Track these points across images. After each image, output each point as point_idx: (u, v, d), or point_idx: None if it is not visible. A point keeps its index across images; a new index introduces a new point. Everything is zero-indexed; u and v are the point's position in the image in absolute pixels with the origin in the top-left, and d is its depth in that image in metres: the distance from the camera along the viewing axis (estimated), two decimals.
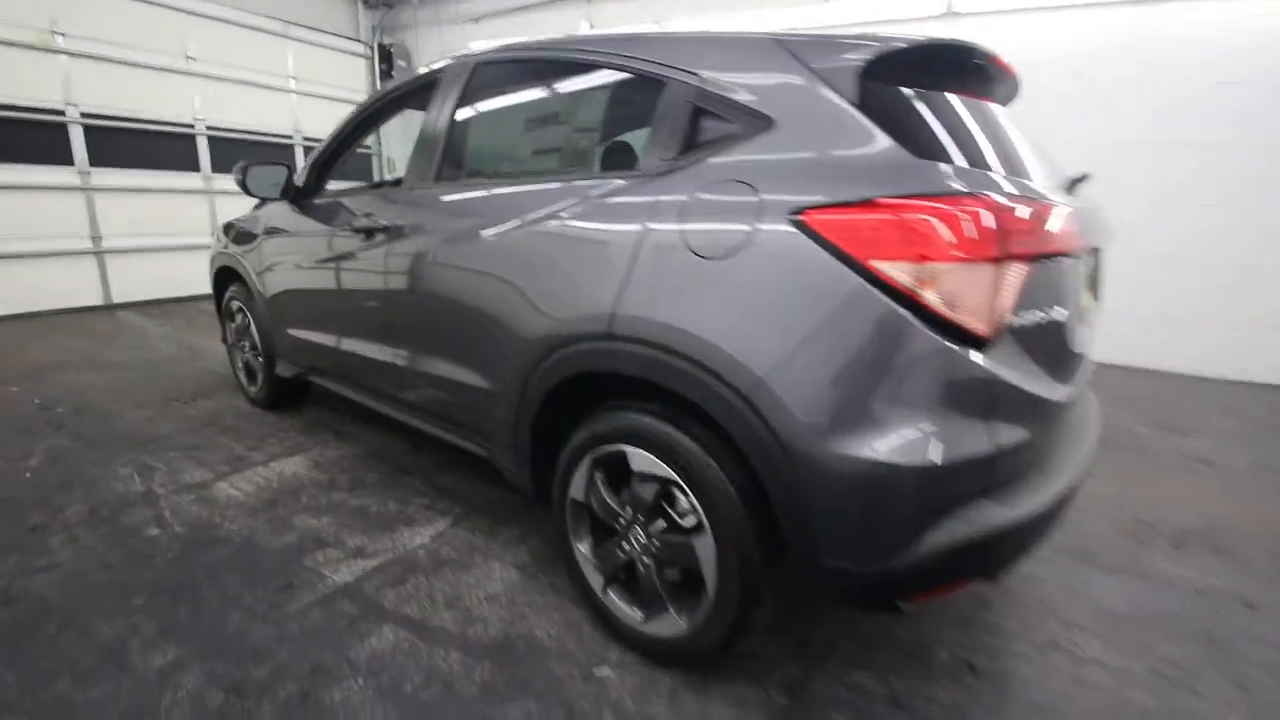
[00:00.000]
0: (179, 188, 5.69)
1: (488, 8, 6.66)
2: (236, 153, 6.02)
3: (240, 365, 3.09)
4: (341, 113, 6.95)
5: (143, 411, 2.97)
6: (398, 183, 2.13)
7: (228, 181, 5.98)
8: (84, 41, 4.96)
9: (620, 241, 1.28)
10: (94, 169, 5.13)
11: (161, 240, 5.62)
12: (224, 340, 3.22)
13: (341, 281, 2.20)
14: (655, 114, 1.34)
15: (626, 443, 1.30)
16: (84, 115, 5.02)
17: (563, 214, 1.42)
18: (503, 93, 1.92)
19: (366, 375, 2.21)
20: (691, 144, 1.27)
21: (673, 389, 1.19)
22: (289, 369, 2.73)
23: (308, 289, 2.43)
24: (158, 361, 3.87)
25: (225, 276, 3.02)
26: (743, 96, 1.21)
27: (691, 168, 1.23)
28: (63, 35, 4.84)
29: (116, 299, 5.46)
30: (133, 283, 5.51)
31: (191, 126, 5.72)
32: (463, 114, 1.89)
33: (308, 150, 6.74)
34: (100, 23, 5.04)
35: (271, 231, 2.61)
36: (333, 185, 2.59)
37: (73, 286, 5.19)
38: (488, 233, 1.58)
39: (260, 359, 2.88)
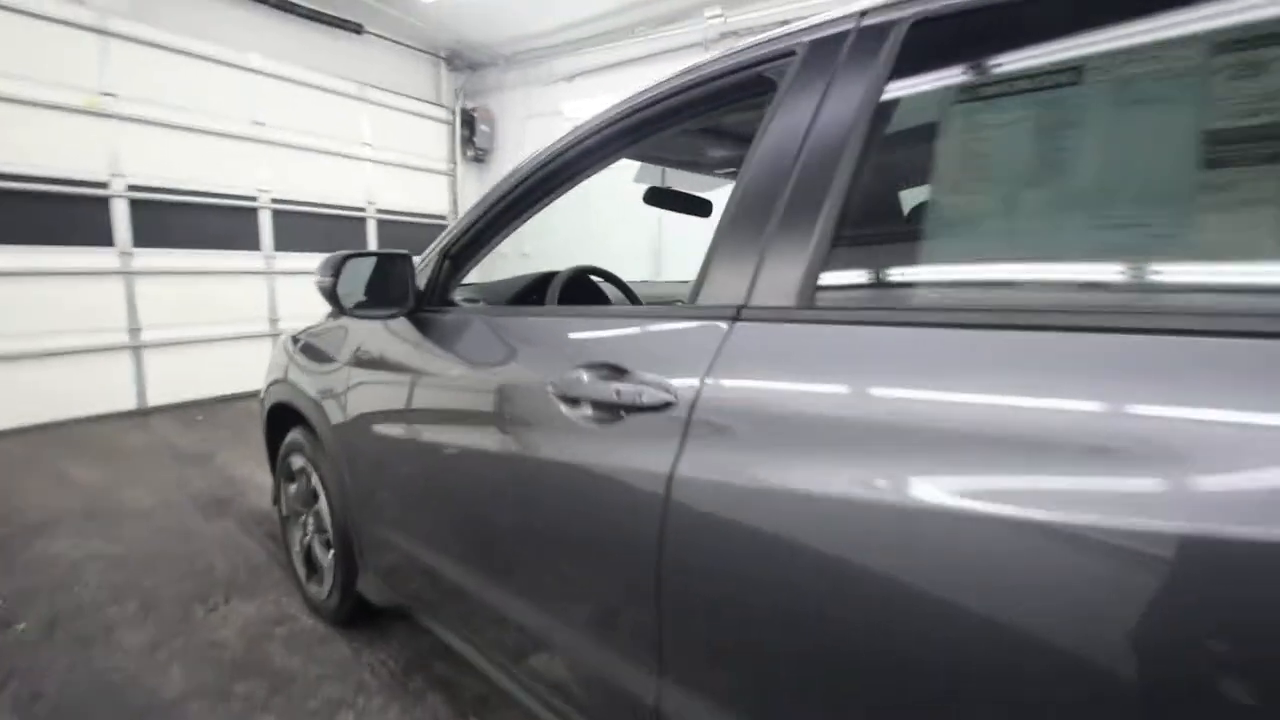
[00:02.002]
0: (235, 269, 4.85)
1: (581, 65, 5.90)
2: (301, 227, 5.23)
3: (299, 549, 1.98)
4: (419, 183, 6.19)
5: (146, 632, 1.86)
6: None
7: (291, 260, 5.15)
8: (139, 104, 4.24)
9: None
10: (137, 249, 4.32)
11: (210, 330, 4.74)
12: (275, 502, 2.14)
13: (513, 483, 1.09)
14: None
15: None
16: (130, 188, 4.24)
17: None
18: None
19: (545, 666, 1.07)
20: None
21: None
22: (381, 591, 1.61)
23: (431, 475, 1.33)
24: (185, 509, 2.82)
25: (284, 414, 1.97)
26: None
27: None
28: (113, 96, 4.13)
29: (153, 401, 4.54)
30: (174, 381, 4.60)
31: (254, 199, 4.94)
32: (904, 133, 0.81)
33: (381, 224, 5.93)
34: (160, 83, 4.33)
35: (368, 361, 1.54)
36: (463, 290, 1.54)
37: (101, 388, 4.28)
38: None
39: (333, 556, 1.78)
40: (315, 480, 1.81)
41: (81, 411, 4.20)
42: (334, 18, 5.35)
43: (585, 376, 0.94)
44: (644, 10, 5.20)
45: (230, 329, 4.84)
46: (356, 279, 1.31)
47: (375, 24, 5.64)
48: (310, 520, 1.90)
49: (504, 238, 1.42)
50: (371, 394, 1.52)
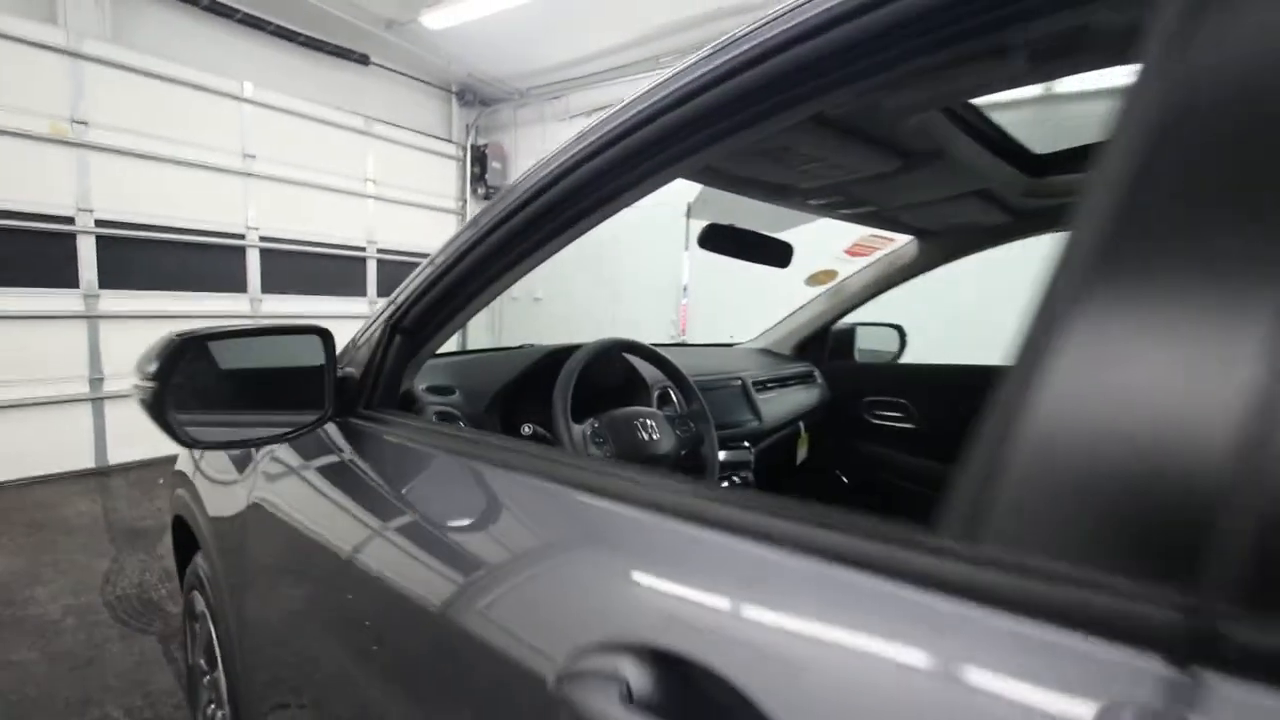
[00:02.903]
0: (215, 312, 4.38)
1: (600, 99, 5.52)
2: (294, 268, 4.79)
3: None
4: (426, 222, 5.77)
5: None
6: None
7: (280, 303, 4.70)
8: (113, 133, 3.85)
9: None
10: (104, 291, 3.87)
11: None
12: (184, 648, 1.57)
13: None
14: None
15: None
16: (99, 223, 3.82)
17: None
18: None
19: None
20: None
21: None
22: None
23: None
24: (102, 619, 2.26)
25: (188, 532, 1.42)
26: None
27: None
28: (84, 124, 3.74)
29: (114, 458, 4.03)
30: (138, 436, 4.09)
31: (242, 237, 4.52)
32: None
33: (382, 264, 5.50)
34: (139, 111, 3.96)
35: (273, 483, 1.00)
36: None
37: (55, 445, 3.78)
38: None
39: None
40: (214, 636, 1.25)
41: (31, 471, 3.69)
42: (337, 47, 5.02)
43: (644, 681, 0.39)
44: (666, 42, 4.83)
45: None
46: (219, 378, 0.77)
47: (382, 55, 5.32)
48: (208, 691, 1.34)
49: (490, 296, 0.88)
50: (274, 538, 0.97)
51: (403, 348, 0.93)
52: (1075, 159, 1.16)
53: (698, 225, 5.09)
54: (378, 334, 0.93)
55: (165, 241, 4.12)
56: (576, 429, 1.02)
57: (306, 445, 0.97)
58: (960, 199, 1.18)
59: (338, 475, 0.89)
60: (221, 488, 1.20)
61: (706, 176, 0.97)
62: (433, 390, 1.10)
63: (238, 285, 4.52)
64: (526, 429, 1.01)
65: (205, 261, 4.34)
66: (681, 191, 4.87)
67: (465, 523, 0.66)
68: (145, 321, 4.02)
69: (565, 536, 0.57)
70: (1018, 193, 1.19)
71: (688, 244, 5.03)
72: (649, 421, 1.12)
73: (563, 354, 1.23)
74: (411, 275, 0.93)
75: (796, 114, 0.53)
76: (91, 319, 3.85)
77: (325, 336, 0.84)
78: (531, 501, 0.62)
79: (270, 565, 0.99)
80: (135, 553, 2.84)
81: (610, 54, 5.09)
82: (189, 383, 0.73)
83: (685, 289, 5.13)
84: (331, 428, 0.94)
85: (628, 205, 0.71)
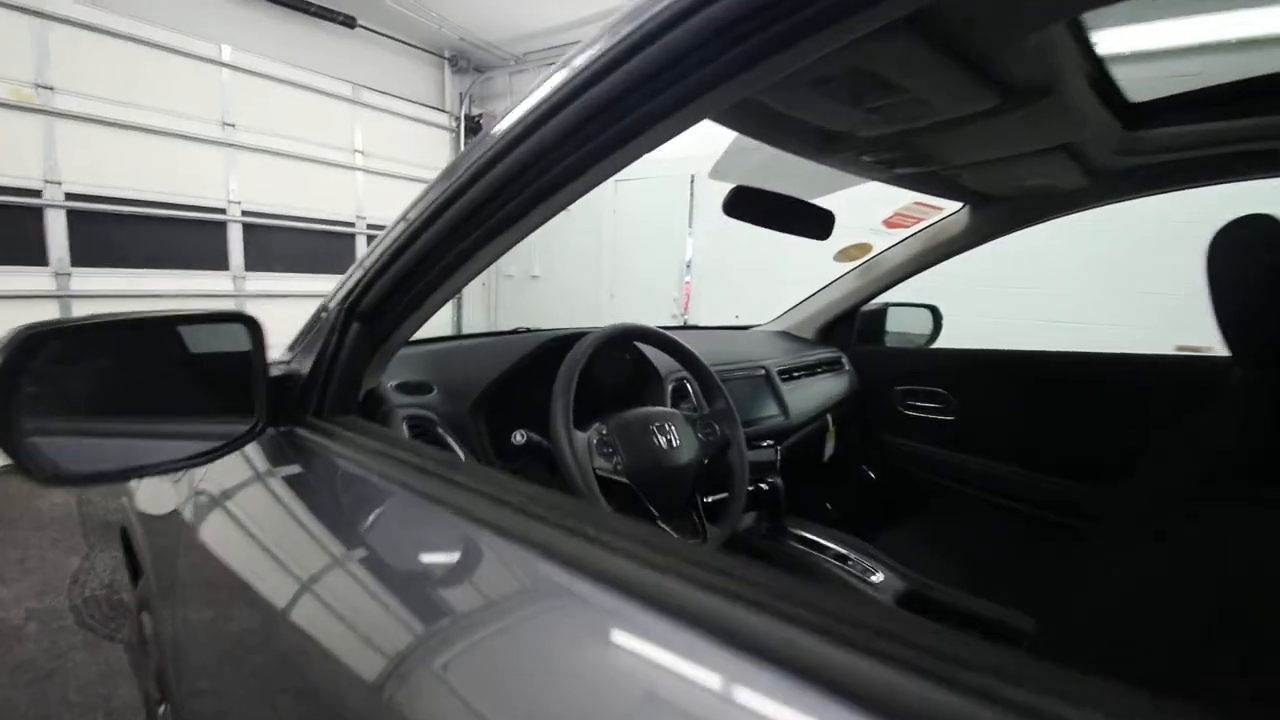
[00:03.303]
0: (197, 291, 4.17)
1: None
2: (279, 243, 4.57)
3: None
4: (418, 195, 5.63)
5: None
6: None
7: (265, 281, 4.49)
8: (82, 99, 3.60)
9: None
10: (76, 270, 3.66)
11: None
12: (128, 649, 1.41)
13: None
14: None
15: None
16: (69, 197, 3.59)
17: None
18: None
19: None
20: None
21: None
22: None
23: None
24: (67, 624, 2.10)
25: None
26: None
27: None
28: (50, 90, 3.49)
29: None
30: None
31: (223, 211, 4.29)
32: None
33: (372, 240, 5.26)
34: (109, 75, 3.70)
35: (209, 497, 0.82)
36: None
37: None
38: None
39: None
40: (155, 647, 1.09)
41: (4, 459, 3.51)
42: (321, 8, 4.73)
43: None
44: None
45: None
46: (105, 383, 0.58)
47: (369, 18, 5.02)
48: (156, 695, 1.18)
49: (471, 270, 0.68)
50: (207, 567, 0.79)
51: (363, 337, 0.74)
52: (1178, 109, 0.96)
53: (704, 196, 4.80)
54: (331, 320, 0.74)
55: (141, 216, 3.89)
56: (580, 437, 0.83)
57: (248, 452, 0.78)
58: (1040, 156, 0.98)
59: (276, 501, 0.71)
60: (155, 500, 1.02)
61: (740, 117, 0.77)
62: (405, 388, 0.91)
63: (219, 262, 4.30)
64: (519, 437, 0.83)
65: (184, 237, 4.11)
66: (685, 159, 4.62)
67: (426, 598, 0.48)
68: (120, 301, 3.81)
69: (574, 663, 0.38)
70: (1109, 148, 0.99)
71: (692, 218, 4.80)
72: (667, 425, 0.93)
73: (562, 343, 1.04)
74: (372, 245, 0.73)
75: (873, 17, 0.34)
76: (63, 299, 3.64)
77: (252, 326, 0.65)
78: (521, 592, 0.44)
79: (204, 597, 0.81)
80: (108, 549, 2.67)
81: (611, 16, 4.80)
82: (52, 391, 0.53)
83: (689, 265, 4.91)
84: (273, 440, 0.76)
85: (639, 153, 0.51)
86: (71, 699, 1.75)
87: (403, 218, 0.66)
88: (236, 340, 0.66)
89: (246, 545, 0.72)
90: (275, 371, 0.73)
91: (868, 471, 1.74)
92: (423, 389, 0.92)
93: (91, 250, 3.70)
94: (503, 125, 0.56)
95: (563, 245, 5.50)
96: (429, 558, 0.52)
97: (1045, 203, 1.26)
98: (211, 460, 0.64)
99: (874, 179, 1.09)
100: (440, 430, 0.88)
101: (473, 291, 6.11)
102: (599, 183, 0.55)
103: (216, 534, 0.81)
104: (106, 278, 3.78)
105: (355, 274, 0.71)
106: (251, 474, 0.77)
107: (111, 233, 3.78)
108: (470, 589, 0.46)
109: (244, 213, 4.38)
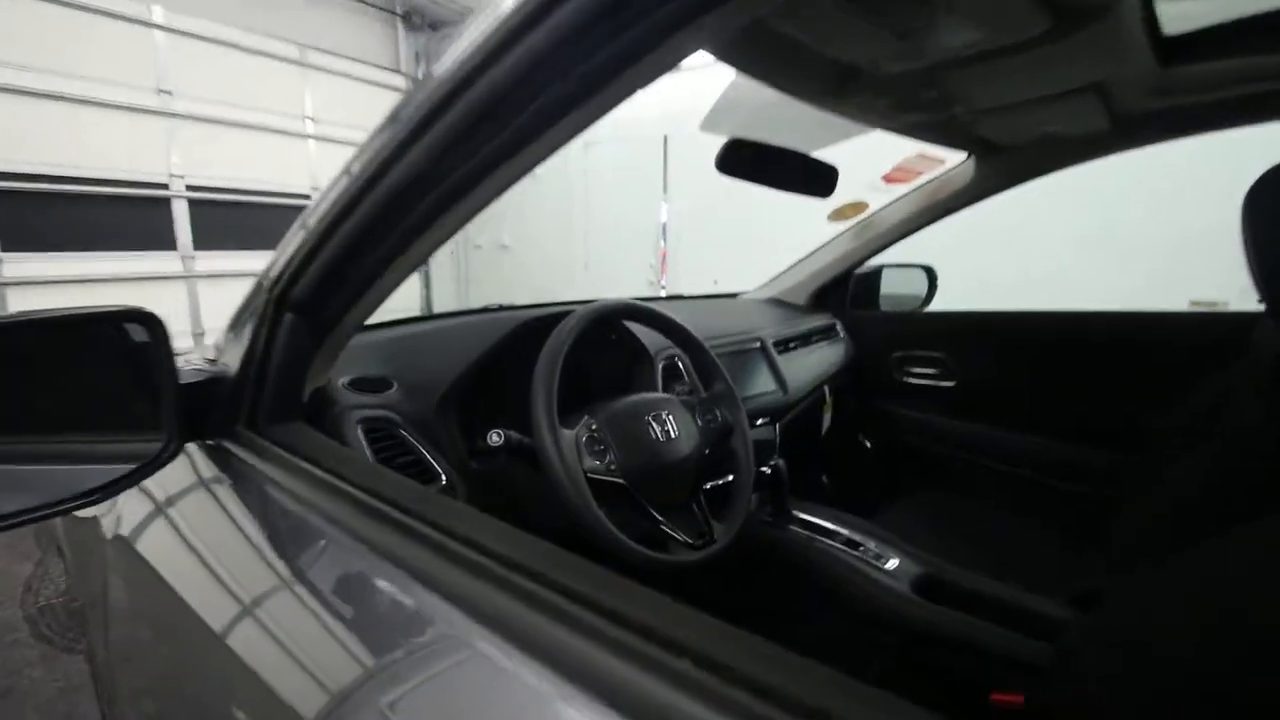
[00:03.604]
0: (140, 273, 3.91)
1: None
2: (230, 220, 4.31)
3: None
4: None
5: None
6: None
7: (218, 260, 4.24)
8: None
9: None
10: (6, 255, 3.39)
11: None
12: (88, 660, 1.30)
13: None
14: None
15: None
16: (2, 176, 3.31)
17: None
18: None
19: None
20: None
21: None
22: None
23: None
24: (21, 638, 1.97)
25: None
26: None
27: None
28: None
29: None
30: None
31: (165, 186, 4.00)
32: None
33: None
34: (23, 41, 3.36)
35: (128, 539, 0.70)
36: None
37: None
38: None
39: None
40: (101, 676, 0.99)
41: None
42: None
43: None
44: None
45: None
46: None
47: None
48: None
49: (426, 244, 0.56)
50: (128, 590, 0.69)
51: (300, 330, 0.61)
52: (1220, 41, 0.86)
53: (679, 158, 4.60)
54: (258, 312, 0.62)
55: (74, 195, 3.60)
56: (567, 436, 0.72)
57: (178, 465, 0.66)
58: (1066, 97, 0.88)
59: (194, 532, 0.59)
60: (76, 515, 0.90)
61: (747, 51, 0.65)
62: (360, 385, 0.79)
63: (165, 242, 4.03)
64: (495, 438, 0.72)
65: (124, 216, 3.83)
66: (658, 120, 4.43)
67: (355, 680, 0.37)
68: (59, 288, 3.55)
69: None
70: (1143, 86, 0.89)
71: (666, 181, 4.63)
72: (663, 413, 0.83)
73: (540, 323, 0.92)
74: (300, 218, 0.60)
75: None
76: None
77: (151, 324, 0.52)
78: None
79: (127, 623, 0.71)
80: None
81: None
82: None
83: (664, 230, 4.76)
84: (199, 456, 0.64)
85: (627, 90, 0.39)
86: (29, 718, 1.63)
87: (334, 185, 0.53)
88: (137, 342, 0.54)
89: (165, 578, 0.61)
90: (194, 376, 0.61)
91: (864, 442, 1.67)
92: (381, 385, 0.80)
93: (22, 234, 3.42)
94: (449, 63, 0.43)
95: (535, 211, 5.30)
96: (364, 626, 0.42)
97: (1059, 151, 1.16)
98: (111, 495, 0.52)
99: (883, 127, 0.97)
100: (403, 432, 0.76)
101: (440, 262, 5.89)
102: (572, 135, 0.43)
103: (135, 561, 0.70)
104: (41, 263, 3.51)
105: (282, 255, 0.59)
106: (177, 490, 0.65)
107: (43, 213, 3.49)
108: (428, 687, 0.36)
109: (189, 187, 4.09)
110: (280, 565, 0.49)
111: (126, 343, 0.55)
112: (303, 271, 0.57)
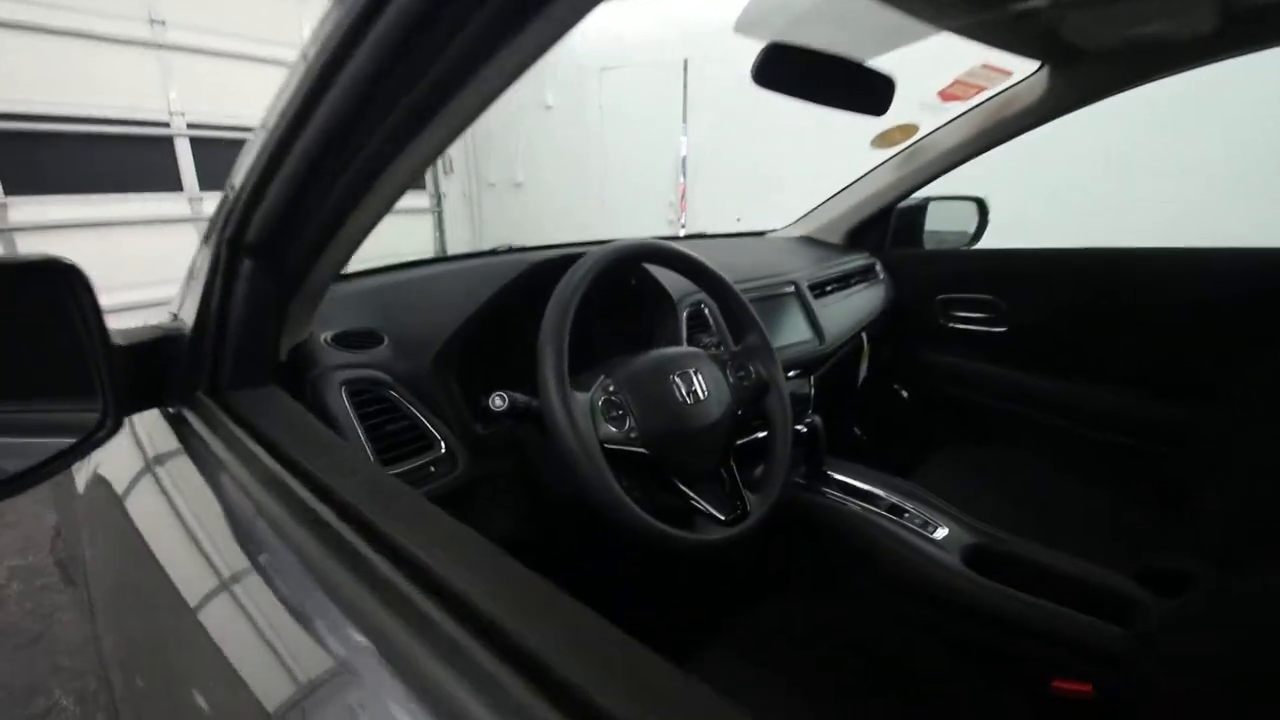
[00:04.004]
0: (147, 216, 3.82)
1: None
2: (235, 157, 4.15)
3: None
4: None
5: None
6: None
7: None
8: None
9: None
10: (10, 199, 3.31)
11: (126, 296, 3.80)
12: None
13: None
14: None
15: None
16: None
17: None
18: None
19: None
20: None
21: None
22: None
23: None
24: (50, 579, 2.00)
25: None
26: None
27: None
28: None
29: None
30: None
31: (166, 125, 3.86)
32: None
33: None
34: None
35: (101, 500, 0.64)
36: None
37: None
38: None
39: None
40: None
41: None
42: None
43: None
44: None
45: (151, 293, 3.89)
46: None
47: None
48: None
49: (403, 176, 0.45)
50: (100, 556, 0.63)
51: (263, 278, 0.52)
52: None
53: (700, 84, 4.30)
54: (211, 259, 0.52)
55: (73, 135, 3.48)
56: (580, 399, 0.63)
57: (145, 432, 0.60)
58: None
59: (153, 511, 0.52)
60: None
61: None
62: (345, 341, 0.69)
63: (171, 183, 3.92)
64: (498, 401, 0.63)
65: (127, 156, 3.71)
66: (678, 41, 4.13)
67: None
68: (65, 233, 3.49)
69: None
70: None
71: (686, 111, 4.37)
72: (690, 371, 0.73)
73: (550, 267, 0.82)
74: (246, 145, 0.50)
75: None
76: (3, 232, 3.33)
77: (71, 276, 0.43)
78: None
79: (101, 588, 0.65)
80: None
81: None
82: None
83: (684, 163, 4.53)
84: (158, 426, 0.56)
85: None
86: (61, 663, 1.67)
87: (279, 99, 0.42)
88: (57, 297, 0.45)
89: (125, 549, 0.55)
90: (142, 335, 0.52)
91: (901, 392, 1.57)
92: (370, 340, 0.70)
93: (24, 177, 3.34)
94: None
95: (548, 145, 5.08)
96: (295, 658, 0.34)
97: (1151, 59, 0.99)
98: (43, 479, 0.44)
99: (944, 26, 0.82)
100: (394, 394, 0.67)
101: (455, 205, 5.71)
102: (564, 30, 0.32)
103: (100, 527, 0.64)
104: (46, 205, 3.43)
105: (229, 190, 0.48)
106: (133, 466, 0.57)
107: (42, 155, 3.39)
108: None
109: (190, 125, 3.94)
110: (221, 565, 0.41)
111: (60, 298, 0.46)
112: (253, 208, 0.47)
